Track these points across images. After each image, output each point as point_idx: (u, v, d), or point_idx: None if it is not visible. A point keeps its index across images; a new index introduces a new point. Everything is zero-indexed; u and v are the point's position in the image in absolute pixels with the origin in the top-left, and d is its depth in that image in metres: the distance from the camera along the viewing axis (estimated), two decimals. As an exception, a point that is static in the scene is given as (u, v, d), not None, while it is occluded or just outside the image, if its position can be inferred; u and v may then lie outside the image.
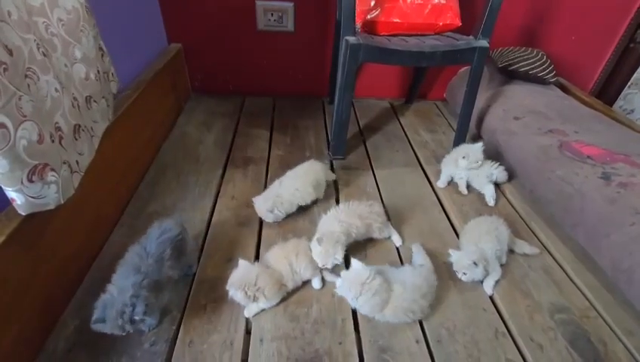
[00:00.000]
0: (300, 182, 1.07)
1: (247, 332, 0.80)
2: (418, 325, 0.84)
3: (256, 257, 0.97)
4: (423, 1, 1.28)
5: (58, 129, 0.71)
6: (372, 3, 1.27)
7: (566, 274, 1.00)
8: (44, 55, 0.68)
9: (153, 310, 0.70)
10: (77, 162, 0.78)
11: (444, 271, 0.95)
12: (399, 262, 0.99)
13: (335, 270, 0.92)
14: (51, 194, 0.67)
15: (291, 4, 1.56)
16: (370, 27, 1.29)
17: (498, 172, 1.24)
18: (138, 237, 0.79)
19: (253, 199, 1.06)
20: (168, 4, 1.52)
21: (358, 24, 1.28)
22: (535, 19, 1.70)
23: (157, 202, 1.10)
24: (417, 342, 0.81)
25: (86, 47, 0.84)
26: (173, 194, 1.14)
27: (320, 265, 0.87)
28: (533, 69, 1.54)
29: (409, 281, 0.83)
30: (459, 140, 1.44)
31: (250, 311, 0.82)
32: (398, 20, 1.27)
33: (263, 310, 0.83)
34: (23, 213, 0.65)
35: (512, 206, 1.23)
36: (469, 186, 1.27)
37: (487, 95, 1.55)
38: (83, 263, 0.88)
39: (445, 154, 1.31)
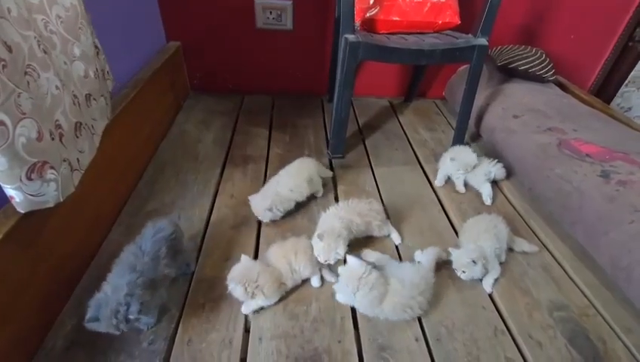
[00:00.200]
0: (293, 180, 1.07)
1: (246, 330, 0.80)
2: (417, 323, 0.84)
3: (256, 256, 0.97)
4: (422, -1, 1.28)
5: (58, 126, 0.71)
6: (371, 1, 1.27)
7: (565, 272, 1.00)
8: (45, 52, 0.68)
9: (149, 308, 0.70)
10: (77, 160, 0.78)
11: (443, 269, 0.95)
12: (399, 260, 0.99)
13: (334, 269, 0.92)
14: (50, 192, 0.67)
15: (290, 2, 1.55)
16: (369, 25, 1.29)
17: (496, 169, 1.24)
18: (137, 236, 0.79)
19: (250, 197, 1.05)
20: (167, 2, 1.51)
21: (358, 22, 1.28)
22: (534, 17, 1.70)
23: (156, 200, 1.10)
24: (417, 340, 0.81)
25: (84, 44, 0.84)
26: (171, 193, 1.13)
27: (322, 261, 0.87)
28: (532, 67, 1.55)
29: (407, 278, 0.83)
30: (458, 139, 1.44)
31: (247, 307, 0.82)
32: (397, 18, 1.27)
33: (261, 308, 0.83)
34: (22, 211, 0.65)
35: (511, 204, 1.23)
36: (466, 185, 1.27)
37: (486, 93, 1.54)
38: (81, 261, 0.88)
39: (444, 153, 1.31)
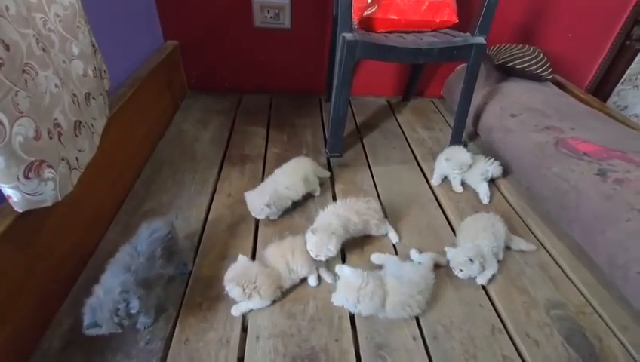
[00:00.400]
0: (289, 178, 1.07)
1: (244, 329, 0.80)
2: (415, 322, 0.84)
3: (253, 255, 0.97)
4: (420, -2, 1.28)
5: (57, 125, 0.70)
6: (369, 0, 1.27)
7: (562, 270, 1.00)
8: (44, 50, 0.68)
9: (146, 303, 0.70)
10: (77, 159, 0.78)
11: (440, 268, 0.96)
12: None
13: (331, 268, 0.92)
14: (48, 191, 0.67)
15: (288, 1, 1.55)
16: (367, 24, 1.29)
17: (493, 168, 1.24)
18: (134, 235, 0.79)
19: (245, 194, 1.04)
20: (164, 1, 1.51)
21: (355, 21, 1.28)
22: (532, 16, 1.71)
23: (153, 200, 1.10)
24: (414, 338, 0.81)
25: (83, 43, 0.84)
26: (169, 192, 1.13)
27: (313, 256, 0.87)
28: (530, 66, 1.55)
29: (405, 276, 0.83)
30: (455, 137, 1.44)
31: (238, 309, 0.82)
32: (395, 17, 1.27)
33: (250, 310, 0.82)
34: (20, 211, 0.64)
35: (509, 202, 1.23)
36: (464, 183, 1.27)
37: (483, 92, 1.55)
38: (78, 261, 0.88)
39: (440, 153, 1.31)
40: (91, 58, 0.88)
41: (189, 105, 1.64)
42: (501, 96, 1.50)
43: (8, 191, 0.61)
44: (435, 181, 1.28)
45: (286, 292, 0.87)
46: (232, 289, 0.78)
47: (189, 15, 1.56)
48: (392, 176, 1.31)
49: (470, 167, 1.22)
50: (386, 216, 1.07)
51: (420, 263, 0.93)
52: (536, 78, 1.57)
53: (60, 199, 0.70)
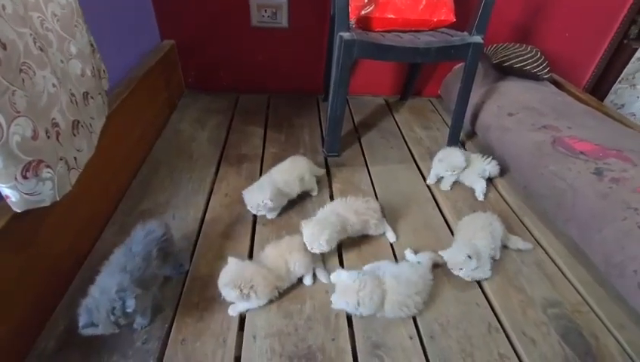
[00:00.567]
0: (285, 177, 1.07)
1: (240, 329, 0.80)
2: (411, 321, 0.84)
3: (250, 254, 0.97)
4: (417, -3, 1.28)
5: (55, 125, 0.70)
6: (366, -1, 1.27)
7: (559, 269, 1.01)
8: (41, 50, 0.67)
9: (143, 303, 0.69)
10: (75, 158, 0.77)
11: (438, 267, 0.96)
12: (393, 258, 0.99)
13: (329, 268, 0.92)
14: (46, 191, 0.66)
15: (285, 0, 1.55)
16: (364, 23, 1.29)
17: (491, 167, 1.25)
18: (129, 237, 0.78)
19: (243, 192, 1.03)
20: (161, 0, 1.50)
21: (353, 20, 1.28)
22: (529, 15, 1.71)
23: (149, 200, 1.10)
24: (411, 337, 0.81)
25: (80, 42, 0.84)
26: (166, 192, 1.13)
27: (308, 248, 0.87)
28: (527, 65, 1.55)
29: (403, 276, 0.83)
30: (453, 137, 1.44)
31: (235, 308, 0.82)
32: (392, 16, 1.27)
33: (247, 310, 0.82)
34: (18, 210, 0.64)
35: (506, 201, 1.23)
36: (460, 183, 1.27)
37: (481, 91, 1.55)
38: (75, 261, 0.88)
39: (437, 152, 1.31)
40: (89, 57, 0.88)
41: (186, 105, 1.63)
42: (498, 95, 1.50)
43: (6, 191, 0.61)
44: (430, 180, 1.28)
45: (283, 292, 0.86)
46: (228, 293, 0.77)
47: (185, 14, 1.55)
48: (389, 176, 1.31)
49: (464, 169, 1.23)
50: (383, 216, 1.07)
51: (418, 263, 0.93)
52: (534, 77, 1.57)
53: (58, 199, 0.69)
